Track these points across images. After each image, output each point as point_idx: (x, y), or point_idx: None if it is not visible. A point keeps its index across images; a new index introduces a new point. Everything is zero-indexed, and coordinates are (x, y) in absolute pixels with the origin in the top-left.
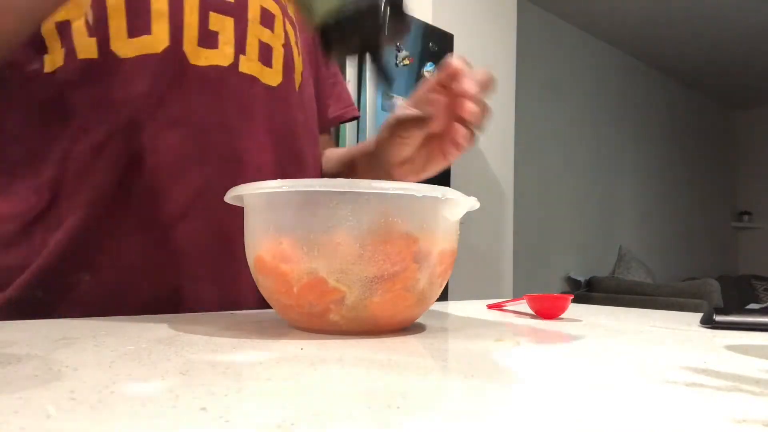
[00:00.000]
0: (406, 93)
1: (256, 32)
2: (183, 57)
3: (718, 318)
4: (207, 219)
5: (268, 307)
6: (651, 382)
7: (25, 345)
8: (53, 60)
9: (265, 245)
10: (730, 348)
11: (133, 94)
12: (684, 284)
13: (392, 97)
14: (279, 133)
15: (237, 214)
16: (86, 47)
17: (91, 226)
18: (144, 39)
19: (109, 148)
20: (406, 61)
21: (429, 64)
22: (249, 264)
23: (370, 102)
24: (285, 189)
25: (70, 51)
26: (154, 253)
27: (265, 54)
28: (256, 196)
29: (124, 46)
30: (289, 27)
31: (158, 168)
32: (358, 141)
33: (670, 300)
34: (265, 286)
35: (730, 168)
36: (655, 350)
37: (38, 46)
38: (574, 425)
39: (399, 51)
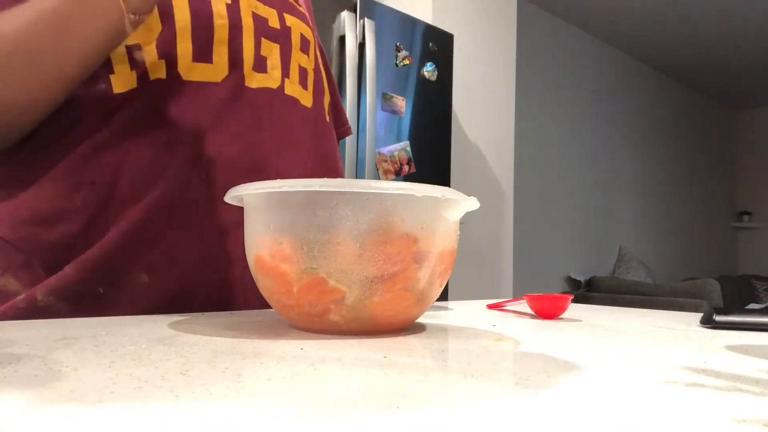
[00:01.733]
0: (406, 93)
1: (297, 58)
2: (242, 81)
3: (718, 318)
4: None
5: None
6: (651, 382)
7: (25, 345)
8: (123, 81)
9: (265, 245)
10: (730, 348)
11: (196, 114)
12: (684, 284)
13: (392, 97)
14: (317, 152)
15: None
16: (157, 68)
17: (146, 228)
18: (206, 67)
19: (172, 160)
20: (406, 61)
21: (429, 63)
22: (249, 264)
23: (370, 102)
24: (285, 189)
25: (142, 74)
26: (209, 259)
27: (303, 78)
28: (256, 196)
29: (189, 69)
30: (317, 52)
31: (216, 179)
32: (357, 145)
33: (670, 300)
34: (265, 286)
35: (730, 168)
36: (655, 350)
37: (104, 67)
38: (574, 425)
39: (399, 51)
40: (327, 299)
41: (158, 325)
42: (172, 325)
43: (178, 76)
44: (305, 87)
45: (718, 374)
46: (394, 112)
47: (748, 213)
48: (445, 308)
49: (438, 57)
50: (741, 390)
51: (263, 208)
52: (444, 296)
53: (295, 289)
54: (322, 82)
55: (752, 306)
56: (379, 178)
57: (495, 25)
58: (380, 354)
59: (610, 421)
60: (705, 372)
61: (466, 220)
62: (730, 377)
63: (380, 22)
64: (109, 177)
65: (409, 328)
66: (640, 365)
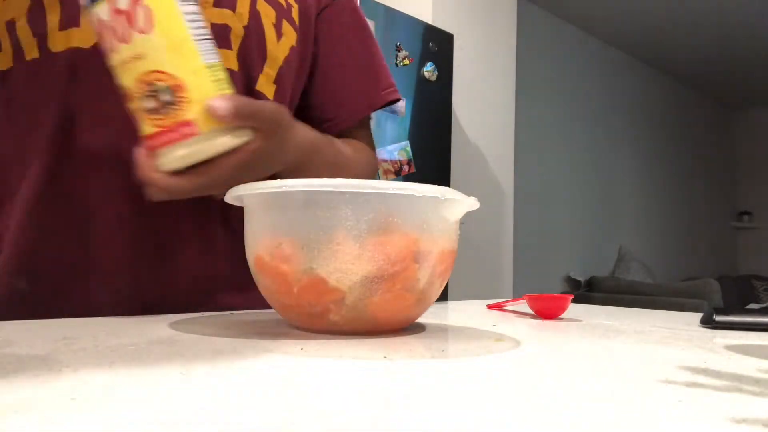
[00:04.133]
0: (406, 93)
1: (206, 14)
2: None
3: (718, 318)
4: (136, 220)
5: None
6: (651, 382)
7: (25, 345)
8: (4, 59)
9: (265, 245)
10: (730, 348)
11: (64, 93)
12: (684, 284)
13: None
14: None
15: (169, 216)
16: (30, 48)
17: (27, 227)
18: (72, 32)
19: (41, 147)
20: (406, 61)
21: (429, 64)
22: (249, 264)
23: None
24: (285, 189)
25: (17, 51)
26: (88, 256)
27: (219, 36)
28: (256, 196)
29: (55, 40)
30: (263, 4)
31: (90, 166)
32: None
33: (670, 300)
34: (265, 286)
35: (730, 168)
36: (655, 350)
37: None
38: (575, 425)
39: (399, 51)
40: (327, 299)
41: (158, 325)
42: (172, 325)
43: (48, 51)
44: (226, 47)
45: (718, 374)
46: (394, 112)
47: (748, 213)
48: (445, 309)
49: (438, 57)
50: (741, 390)
51: (263, 208)
52: (444, 296)
53: (295, 289)
54: (264, 44)
55: (752, 306)
56: (379, 178)
57: (495, 25)
58: (380, 354)
59: (611, 420)
60: (705, 372)
61: (466, 220)
62: (730, 377)
63: (380, 22)
64: None
65: (409, 328)
66: (640, 365)
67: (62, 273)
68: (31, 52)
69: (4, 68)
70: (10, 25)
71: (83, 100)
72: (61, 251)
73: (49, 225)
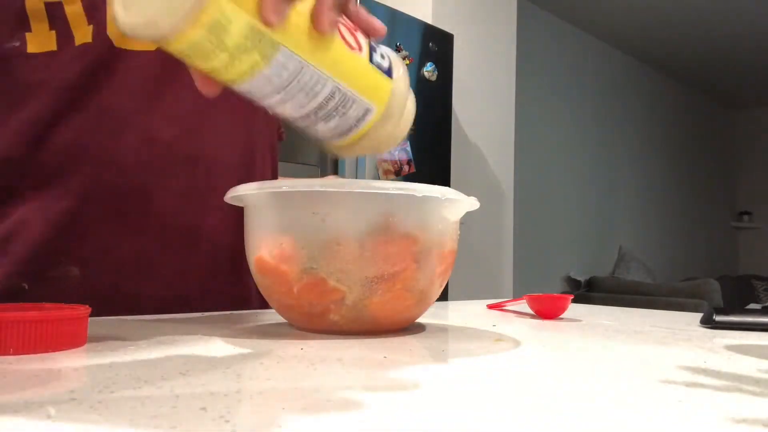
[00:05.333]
0: None
1: None
2: None
3: (718, 318)
4: (183, 218)
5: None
6: (651, 382)
7: None
8: (41, 42)
9: (265, 245)
10: (730, 348)
11: (127, 88)
12: (684, 284)
13: None
14: (257, 142)
15: (206, 214)
16: (82, 31)
17: (75, 219)
18: None
19: (97, 142)
20: (406, 61)
21: (429, 64)
22: (249, 264)
23: None
24: (285, 189)
25: (65, 36)
26: (144, 253)
27: None
28: (256, 196)
29: (121, 34)
30: None
31: (150, 165)
32: None
33: (670, 300)
34: (265, 286)
35: (730, 168)
36: (655, 350)
37: (19, 23)
38: (575, 425)
39: (399, 51)
40: (327, 299)
41: (159, 324)
42: (172, 325)
43: (107, 41)
44: None
45: (718, 374)
46: None
47: (748, 213)
48: (445, 309)
49: (438, 57)
50: (741, 390)
51: (263, 208)
52: (444, 296)
53: (295, 289)
54: None
55: (752, 306)
56: (379, 178)
57: (495, 25)
58: (380, 354)
59: (610, 420)
60: (705, 372)
61: (466, 220)
62: (730, 377)
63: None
64: (24, 153)
65: (409, 328)
66: (640, 365)
67: (111, 267)
68: (83, 37)
69: (41, 51)
70: (54, 7)
71: (131, 96)
72: (107, 244)
73: (94, 216)
